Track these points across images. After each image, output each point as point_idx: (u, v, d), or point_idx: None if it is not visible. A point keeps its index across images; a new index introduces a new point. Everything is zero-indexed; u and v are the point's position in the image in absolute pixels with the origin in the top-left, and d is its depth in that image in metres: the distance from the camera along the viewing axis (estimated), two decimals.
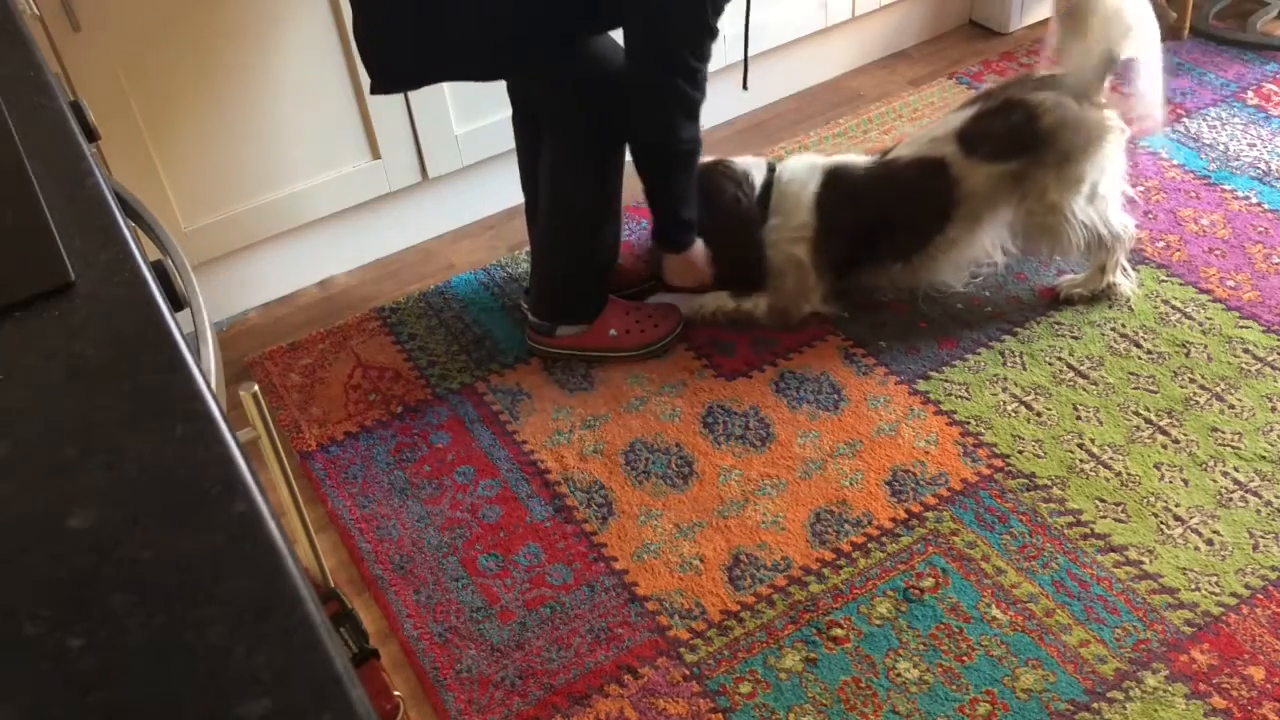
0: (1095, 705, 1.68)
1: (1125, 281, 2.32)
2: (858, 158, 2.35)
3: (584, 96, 2.05)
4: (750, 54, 2.87)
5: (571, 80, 2.04)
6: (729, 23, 2.12)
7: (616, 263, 2.32)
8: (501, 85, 2.32)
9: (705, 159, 2.32)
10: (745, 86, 2.34)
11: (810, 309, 2.35)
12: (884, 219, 2.27)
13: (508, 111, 2.52)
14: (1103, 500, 1.96)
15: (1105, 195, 2.23)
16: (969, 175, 2.21)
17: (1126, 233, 2.27)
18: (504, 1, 1.91)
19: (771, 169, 2.34)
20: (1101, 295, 2.33)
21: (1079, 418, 2.11)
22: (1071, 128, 2.17)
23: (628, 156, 2.15)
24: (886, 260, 2.32)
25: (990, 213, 2.24)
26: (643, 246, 2.56)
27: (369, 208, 2.59)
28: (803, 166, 2.33)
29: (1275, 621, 1.76)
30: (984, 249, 2.31)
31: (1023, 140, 2.18)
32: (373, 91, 2.04)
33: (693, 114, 2.02)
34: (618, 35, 2.04)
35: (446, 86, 2.48)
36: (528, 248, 2.56)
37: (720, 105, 2.94)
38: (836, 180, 2.29)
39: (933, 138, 2.26)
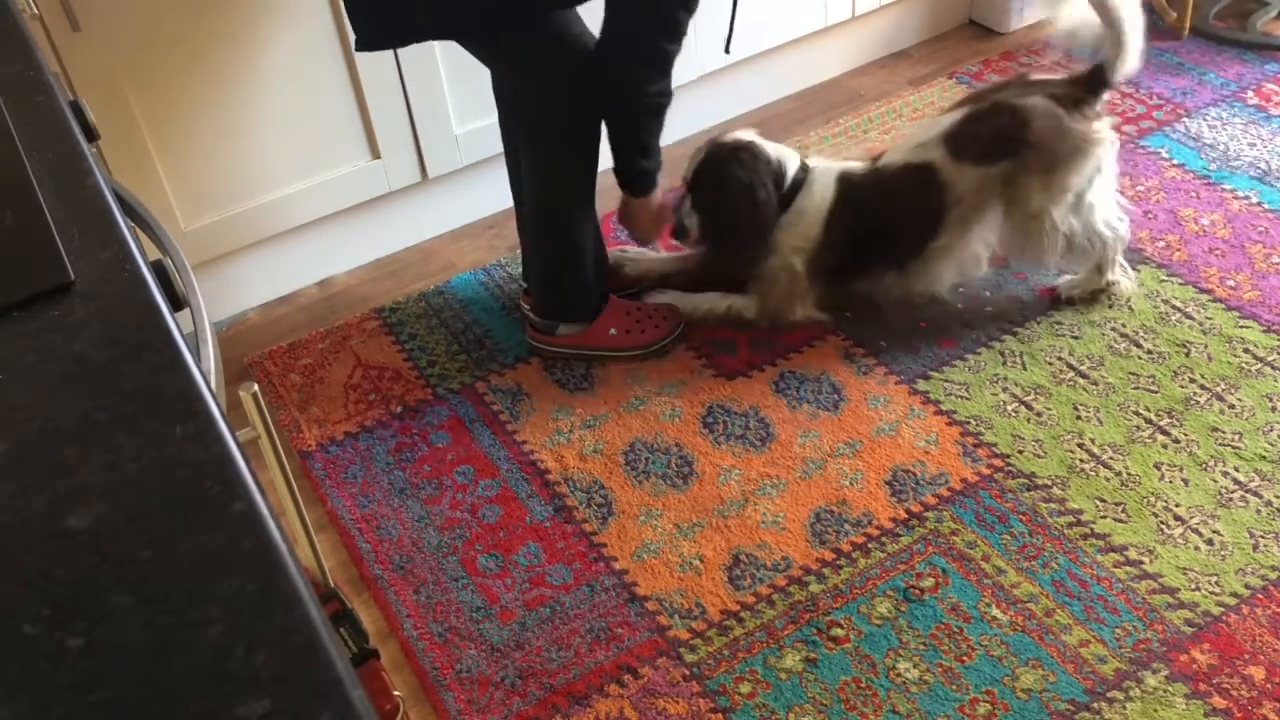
0: (1095, 705, 1.68)
1: (1125, 280, 2.32)
2: (855, 164, 2.32)
3: (551, 92, 2.03)
4: (751, 53, 2.88)
5: (541, 73, 2.02)
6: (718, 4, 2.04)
7: (606, 260, 2.31)
8: None
9: (736, 137, 2.27)
10: (728, 50, 2.23)
11: (802, 314, 2.34)
12: (878, 229, 2.26)
13: None
14: (1103, 500, 1.96)
15: (1093, 203, 2.22)
16: (958, 179, 2.20)
17: (1116, 235, 2.26)
18: None
19: (806, 169, 2.28)
20: (1101, 295, 2.33)
21: (1079, 417, 2.11)
22: (1058, 137, 2.15)
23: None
24: (880, 268, 2.31)
25: (979, 216, 2.23)
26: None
27: (369, 208, 2.59)
28: (828, 175, 2.27)
29: (1275, 621, 1.76)
30: (973, 254, 2.29)
31: (1010, 144, 2.16)
32: (357, 48, 2.02)
33: (666, 68, 1.97)
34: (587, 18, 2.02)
35: (446, 85, 2.48)
36: None
37: (721, 104, 2.94)
38: (843, 190, 2.26)
39: (920, 143, 2.24)
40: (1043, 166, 2.16)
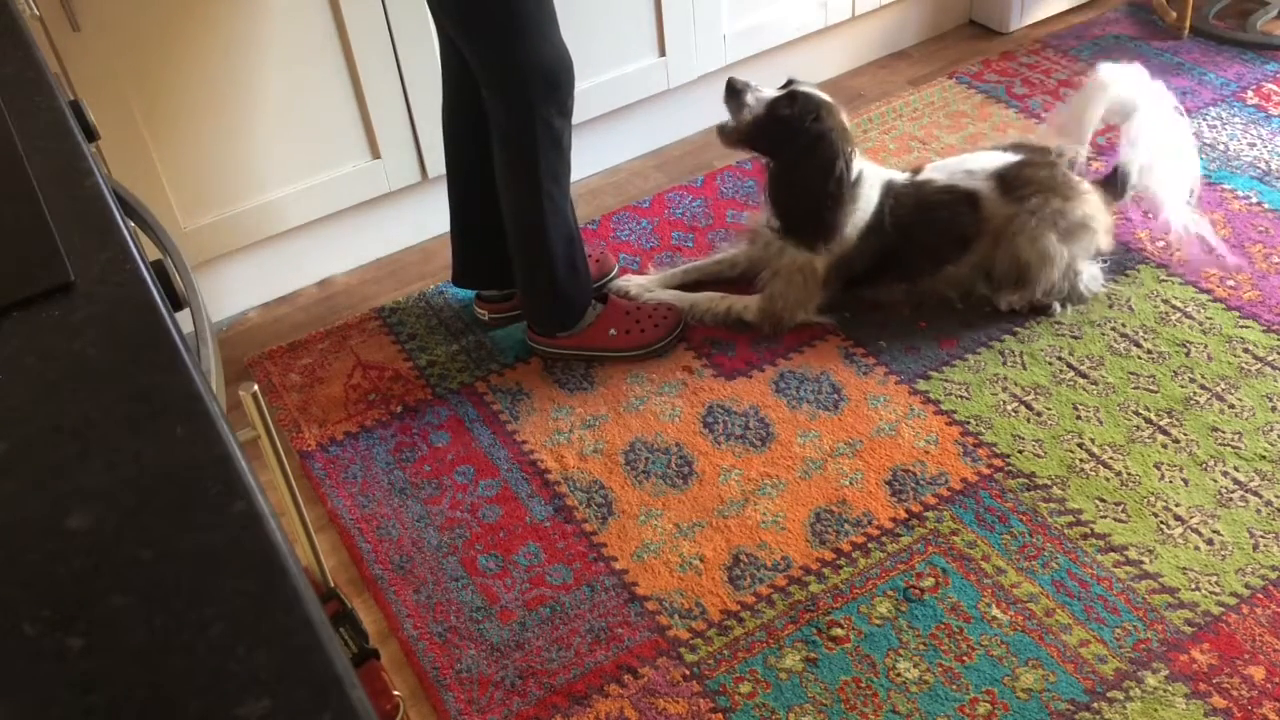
0: (1095, 705, 1.68)
1: (1057, 306, 2.33)
2: (899, 174, 2.32)
3: (509, 94, 2.02)
4: (751, 53, 2.88)
5: (505, 74, 2.00)
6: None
7: (585, 266, 2.29)
8: None
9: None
10: None
11: (804, 318, 2.34)
12: (908, 244, 2.27)
13: None
14: (1103, 500, 1.96)
15: (1081, 271, 2.29)
16: (996, 212, 2.24)
17: (1088, 291, 2.32)
18: None
19: (859, 179, 2.26)
20: (1038, 309, 2.32)
21: (1079, 417, 2.11)
22: (1090, 218, 2.28)
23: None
24: (893, 283, 2.33)
25: (996, 247, 2.27)
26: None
27: (369, 208, 2.59)
28: (874, 183, 2.27)
29: (1275, 621, 1.76)
30: (981, 278, 2.34)
31: (1045, 187, 2.25)
32: None
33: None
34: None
35: None
36: None
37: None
38: (885, 203, 2.26)
39: (969, 170, 2.28)
40: (1062, 196, 2.25)
